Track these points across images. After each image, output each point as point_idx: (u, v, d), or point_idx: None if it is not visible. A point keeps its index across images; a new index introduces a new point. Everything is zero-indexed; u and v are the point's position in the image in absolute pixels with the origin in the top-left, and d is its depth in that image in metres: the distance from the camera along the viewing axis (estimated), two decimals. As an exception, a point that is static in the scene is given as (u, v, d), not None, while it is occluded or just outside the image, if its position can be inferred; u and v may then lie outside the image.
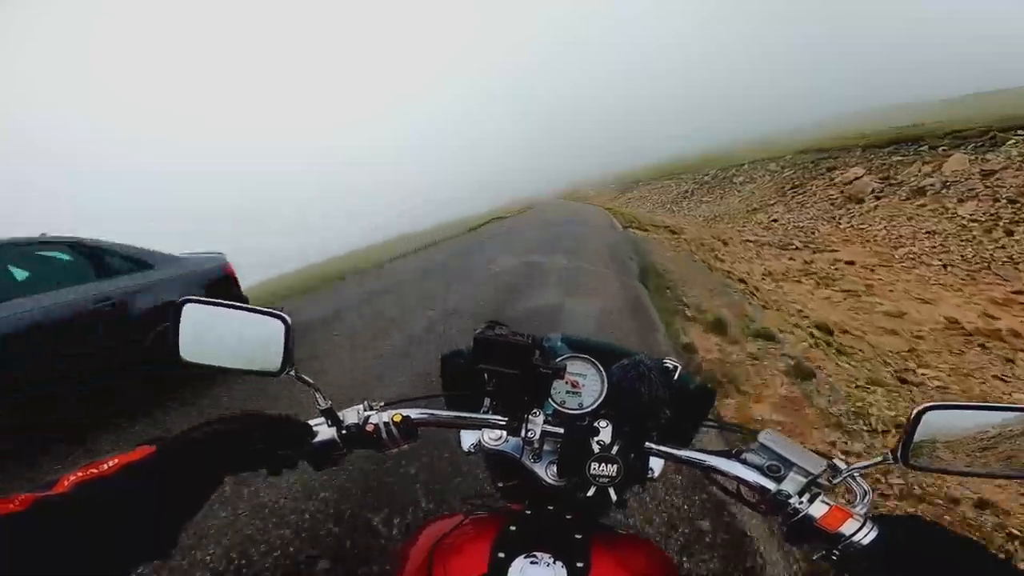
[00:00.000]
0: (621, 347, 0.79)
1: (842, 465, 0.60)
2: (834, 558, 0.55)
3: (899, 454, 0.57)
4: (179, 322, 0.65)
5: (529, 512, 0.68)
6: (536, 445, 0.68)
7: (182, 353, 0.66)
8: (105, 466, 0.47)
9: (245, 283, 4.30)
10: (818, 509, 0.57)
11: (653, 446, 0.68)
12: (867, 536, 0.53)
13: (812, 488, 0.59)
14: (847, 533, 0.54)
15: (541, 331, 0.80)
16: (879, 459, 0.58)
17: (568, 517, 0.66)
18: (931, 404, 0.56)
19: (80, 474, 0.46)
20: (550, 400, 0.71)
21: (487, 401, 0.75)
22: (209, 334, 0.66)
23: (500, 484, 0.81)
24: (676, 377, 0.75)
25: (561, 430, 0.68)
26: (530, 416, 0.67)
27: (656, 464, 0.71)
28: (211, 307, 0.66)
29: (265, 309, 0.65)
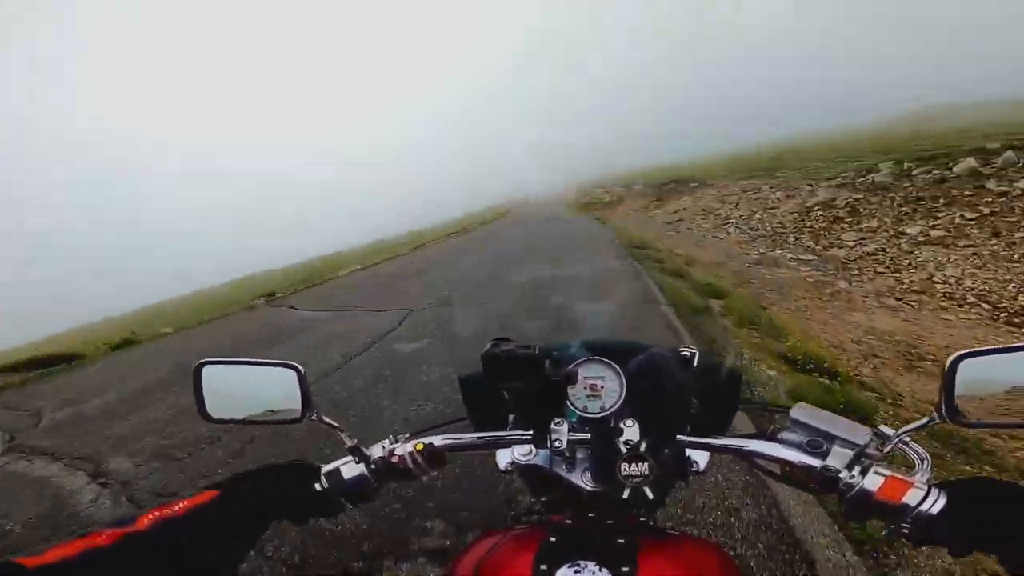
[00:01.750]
0: (636, 343, 0.78)
1: (889, 431, 0.57)
2: (905, 531, 0.52)
3: (944, 411, 0.54)
4: (200, 384, 0.68)
5: (569, 521, 0.67)
6: (567, 454, 0.67)
7: (209, 411, 0.70)
8: (177, 507, 0.53)
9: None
10: (873, 481, 0.54)
11: (685, 438, 0.67)
12: (936, 504, 0.50)
13: (862, 460, 0.56)
14: (912, 504, 0.51)
15: (554, 339, 0.80)
16: (925, 420, 0.55)
17: (610, 522, 0.64)
18: (965, 352, 0.53)
19: (157, 513, 0.51)
20: (572, 407, 0.71)
21: (511, 417, 0.75)
22: (230, 391, 0.69)
23: (542, 498, 0.80)
24: (696, 364, 0.73)
25: (588, 435, 0.67)
26: (553, 426, 0.67)
27: (700, 457, 0.69)
28: (226, 365, 0.69)
29: (277, 361, 0.68)
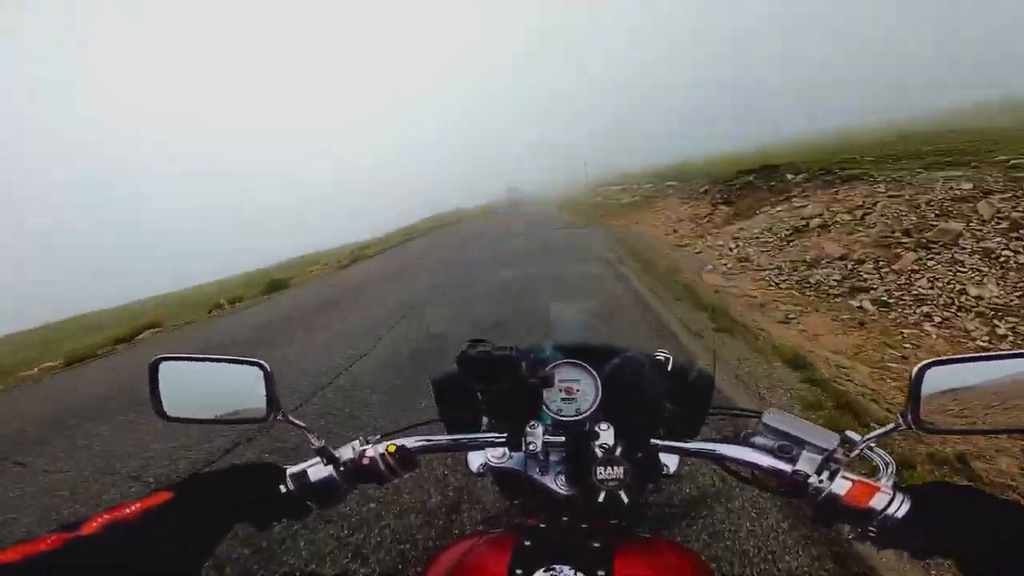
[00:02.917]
0: (612, 346, 0.78)
1: (856, 437, 0.58)
2: (871, 535, 0.53)
3: (909, 418, 0.55)
4: (156, 380, 0.65)
5: (544, 525, 0.66)
6: (541, 457, 0.66)
7: (166, 410, 0.66)
8: (127, 510, 0.50)
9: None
10: (841, 486, 0.55)
11: (659, 442, 0.67)
12: (900, 508, 0.51)
13: (830, 465, 0.57)
14: (878, 508, 0.52)
15: (531, 340, 0.79)
16: (891, 427, 0.56)
17: (584, 526, 0.64)
18: (932, 360, 0.54)
19: (106, 516, 0.48)
20: (547, 410, 0.70)
21: (485, 419, 0.74)
22: (190, 389, 0.66)
23: (515, 501, 0.80)
24: (670, 368, 0.73)
25: (563, 439, 0.66)
26: (528, 429, 0.66)
27: (671, 460, 0.70)
28: (187, 362, 0.66)
29: (242, 359, 0.65)
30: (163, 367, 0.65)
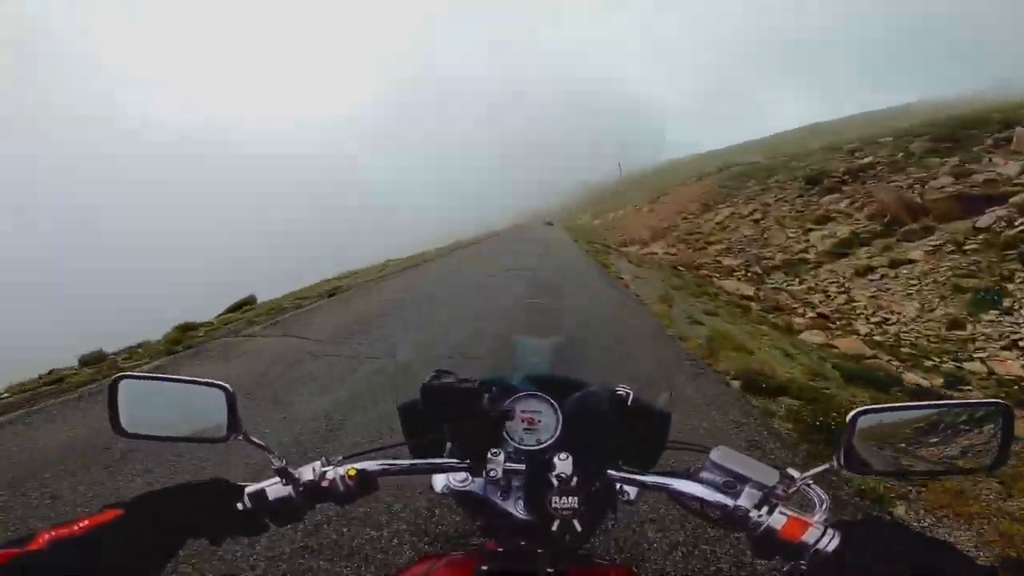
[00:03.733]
0: (576, 379, 0.80)
1: (795, 474, 0.61)
2: (803, 568, 0.55)
3: (840, 460, 0.59)
4: (116, 398, 0.64)
5: (501, 549, 0.67)
6: (502, 483, 0.68)
7: (124, 426, 0.65)
8: (76, 526, 0.49)
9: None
10: (778, 521, 0.57)
11: (616, 473, 0.69)
12: (830, 543, 0.53)
13: (769, 500, 0.60)
14: (810, 542, 0.54)
15: (496, 369, 0.81)
16: (825, 466, 0.60)
17: (540, 552, 0.65)
18: (864, 408, 0.58)
19: (53, 532, 0.47)
20: (509, 439, 0.71)
21: (448, 444, 0.75)
22: (150, 408, 0.65)
23: (477, 523, 0.80)
24: (630, 403, 0.76)
25: (523, 467, 0.68)
26: (490, 456, 0.67)
27: (631, 489, 0.71)
28: (148, 381, 0.65)
29: (204, 380, 0.65)
30: (123, 385, 0.64)
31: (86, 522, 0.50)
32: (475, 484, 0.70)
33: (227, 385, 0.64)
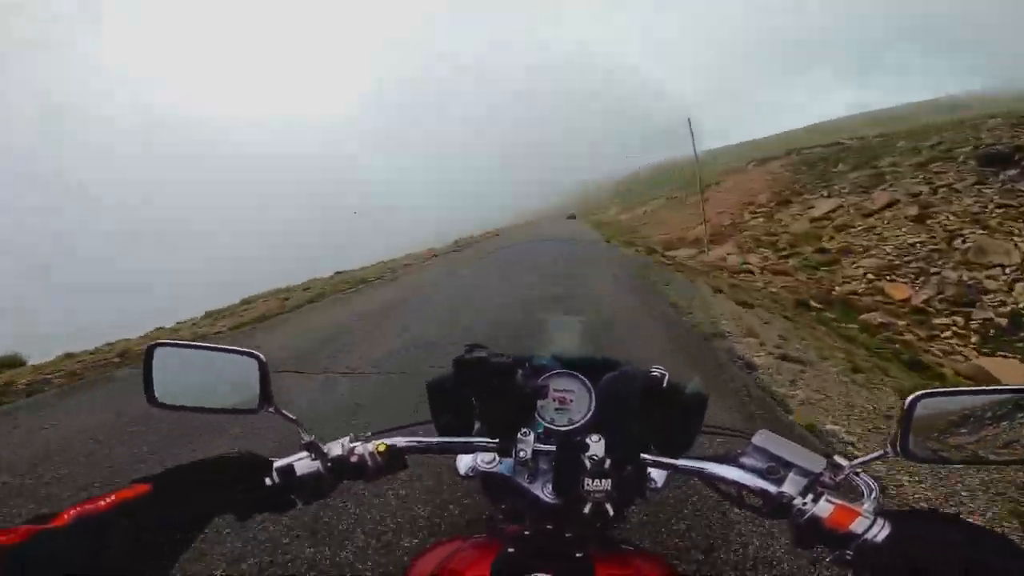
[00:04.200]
0: (610, 359, 0.78)
1: (843, 462, 0.59)
2: (848, 558, 0.53)
3: (897, 446, 0.56)
4: (151, 366, 0.64)
5: (528, 532, 0.66)
6: (530, 465, 0.67)
7: (157, 396, 0.65)
8: (102, 502, 0.48)
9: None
10: (824, 509, 0.55)
11: (648, 457, 0.67)
12: (880, 533, 0.51)
13: (815, 488, 0.58)
14: (858, 532, 0.52)
15: (528, 348, 0.79)
16: (879, 453, 0.57)
17: (568, 535, 0.64)
18: (923, 392, 0.55)
19: (78, 508, 0.47)
20: (539, 418, 0.70)
21: (477, 424, 0.74)
22: (183, 377, 0.65)
23: (502, 506, 0.79)
24: (665, 385, 0.74)
25: (553, 448, 0.66)
26: (520, 436, 0.66)
27: (659, 475, 0.70)
28: (183, 349, 0.65)
29: (238, 348, 0.65)
30: (158, 353, 0.64)
31: (113, 497, 0.49)
32: (502, 465, 0.69)
33: (260, 354, 0.63)
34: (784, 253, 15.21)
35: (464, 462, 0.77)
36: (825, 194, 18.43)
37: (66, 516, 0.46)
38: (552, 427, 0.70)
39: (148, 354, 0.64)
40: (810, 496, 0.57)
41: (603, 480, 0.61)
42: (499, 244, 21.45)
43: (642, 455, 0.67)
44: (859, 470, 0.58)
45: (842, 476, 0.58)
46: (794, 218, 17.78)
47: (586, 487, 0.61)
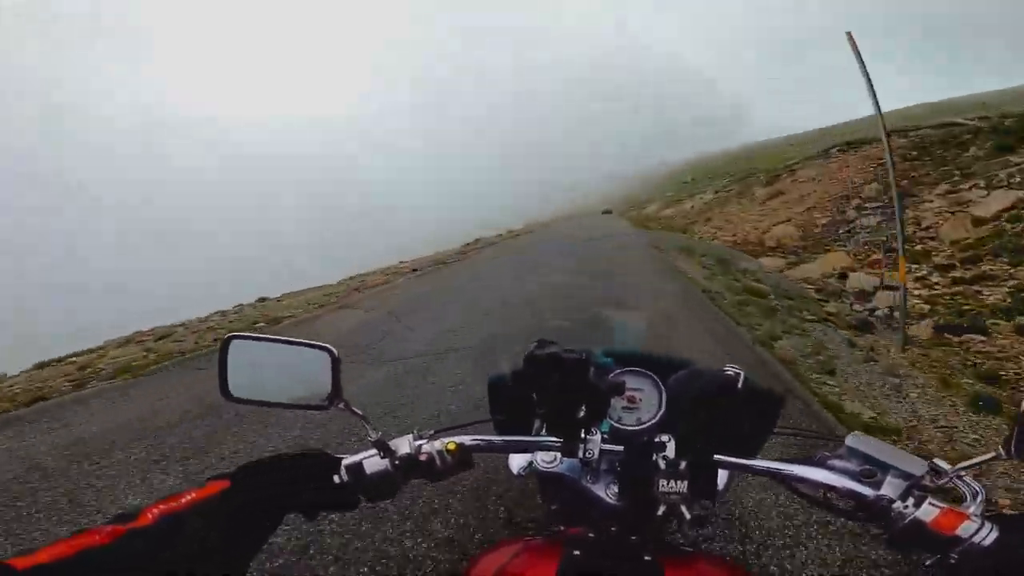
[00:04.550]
0: (678, 357, 0.76)
1: (945, 465, 0.56)
2: (952, 562, 0.51)
3: (1012, 449, 0.53)
4: (226, 359, 0.65)
5: (592, 535, 0.64)
6: (594, 465, 0.65)
7: (231, 390, 0.66)
8: (183, 500, 0.49)
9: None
10: (928, 513, 0.52)
11: (723, 458, 0.64)
12: (988, 537, 0.49)
13: (914, 491, 0.55)
14: (964, 536, 0.50)
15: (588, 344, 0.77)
16: (989, 455, 0.54)
17: (633, 538, 0.62)
18: None
19: (161, 507, 0.48)
20: (607, 418, 0.68)
21: (537, 422, 0.72)
22: (257, 370, 0.66)
23: (553, 507, 0.78)
24: (739, 385, 0.71)
25: (620, 448, 0.65)
26: (587, 435, 0.64)
27: (720, 477, 0.68)
28: (258, 342, 0.66)
29: (311, 342, 0.65)
30: (233, 345, 0.65)
31: (193, 495, 0.50)
32: (563, 465, 0.67)
33: (333, 348, 0.63)
34: (960, 273, 9.11)
35: (517, 461, 0.75)
36: (981, 184, 12.36)
37: (150, 515, 0.46)
38: (620, 426, 0.68)
39: (224, 346, 0.65)
40: (911, 500, 0.54)
41: (679, 482, 0.59)
42: (519, 246, 17.18)
43: (716, 456, 0.65)
44: (962, 473, 0.55)
45: (945, 480, 0.55)
46: (940, 215, 11.97)
47: (660, 488, 0.59)
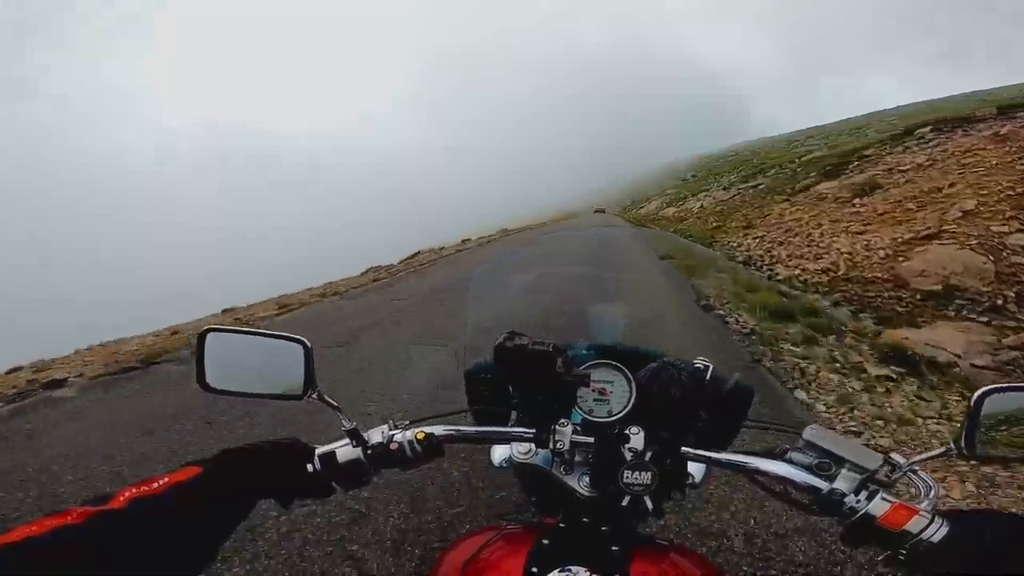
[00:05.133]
0: (650, 350, 0.77)
1: (900, 459, 0.57)
2: (901, 558, 0.51)
3: (963, 444, 0.53)
4: (203, 351, 0.66)
5: (563, 525, 0.66)
6: (566, 456, 0.66)
7: (208, 381, 0.67)
8: (155, 484, 0.49)
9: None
10: (879, 507, 0.53)
11: (690, 451, 0.66)
12: (937, 533, 0.49)
13: (868, 485, 0.56)
14: (914, 531, 0.50)
15: (565, 338, 0.78)
16: (941, 450, 0.55)
17: (603, 528, 0.63)
18: (991, 388, 0.53)
19: (134, 491, 0.48)
20: (577, 409, 0.69)
21: (514, 414, 0.74)
22: (233, 362, 0.67)
23: (534, 498, 0.79)
24: (709, 377, 0.72)
25: (591, 439, 0.66)
26: (557, 427, 0.66)
27: (697, 470, 0.69)
28: (233, 335, 0.68)
29: (284, 335, 0.66)
30: (210, 338, 0.66)
31: (166, 479, 0.50)
32: (539, 456, 0.69)
33: (305, 340, 0.65)
34: None
35: (498, 452, 0.76)
36: None
37: (122, 498, 0.47)
38: (591, 418, 0.69)
39: (201, 339, 0.66)
40: (864, 494, 0.55)
41: (643, 473, 0.60)
42: (485, 257, 14.15)
43: (683, 448, 0.66)
44: (917, 468, 0.56)
45: (899, 474, 0.56)
46: None
47: (625, 480, 0.60)
